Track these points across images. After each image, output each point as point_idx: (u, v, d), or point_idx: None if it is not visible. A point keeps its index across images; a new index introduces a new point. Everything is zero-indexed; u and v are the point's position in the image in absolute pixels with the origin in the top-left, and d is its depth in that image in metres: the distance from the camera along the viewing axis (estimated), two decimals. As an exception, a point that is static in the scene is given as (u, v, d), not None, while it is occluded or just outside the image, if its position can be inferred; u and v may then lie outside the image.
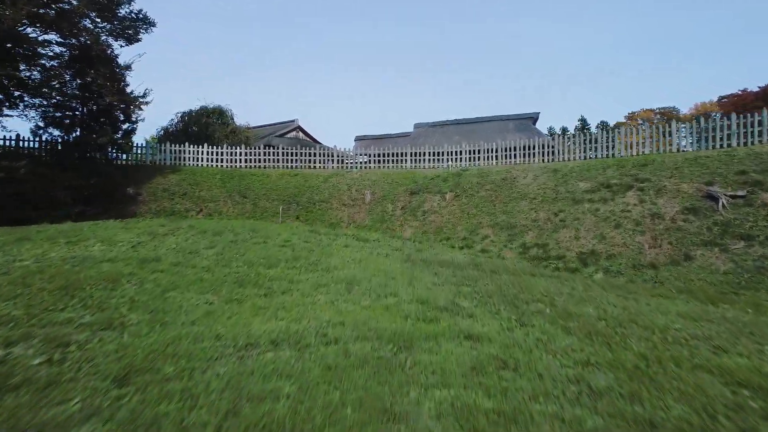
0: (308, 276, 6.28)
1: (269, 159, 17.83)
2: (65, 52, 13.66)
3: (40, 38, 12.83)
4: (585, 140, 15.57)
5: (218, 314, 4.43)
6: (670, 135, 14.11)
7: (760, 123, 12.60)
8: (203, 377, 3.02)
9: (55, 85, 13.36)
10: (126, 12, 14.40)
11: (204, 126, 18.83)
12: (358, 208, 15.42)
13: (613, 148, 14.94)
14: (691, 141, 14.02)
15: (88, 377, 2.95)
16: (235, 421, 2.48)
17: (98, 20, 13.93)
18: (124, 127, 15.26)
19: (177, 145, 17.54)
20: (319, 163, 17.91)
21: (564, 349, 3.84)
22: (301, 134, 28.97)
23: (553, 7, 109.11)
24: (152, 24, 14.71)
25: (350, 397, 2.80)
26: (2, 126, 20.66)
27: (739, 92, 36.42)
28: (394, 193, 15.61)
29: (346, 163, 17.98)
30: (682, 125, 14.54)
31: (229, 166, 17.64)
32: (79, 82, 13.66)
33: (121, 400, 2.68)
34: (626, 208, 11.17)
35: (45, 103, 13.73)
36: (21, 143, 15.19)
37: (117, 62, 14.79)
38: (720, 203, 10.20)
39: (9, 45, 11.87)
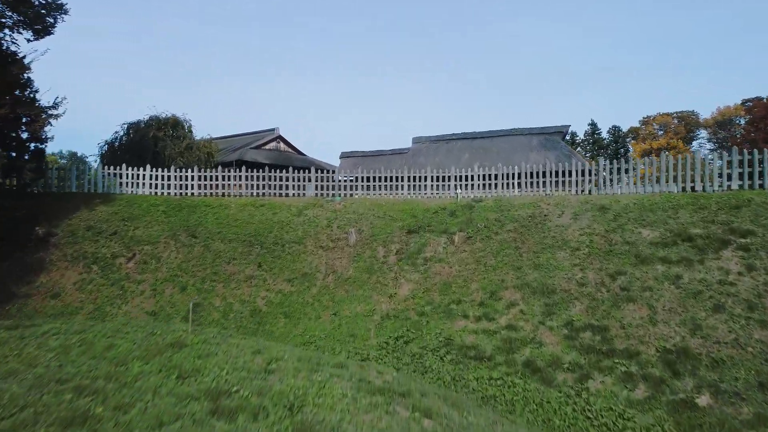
0: None
1: (230, 184, 14.18)
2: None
3: None
4: (647, 165, 11.72)
5: None
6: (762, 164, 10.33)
7: None
8: None
9: None
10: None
11: (152, 141, 15.17)
12: (339, 252, 11.83)
13: (684, 180, 11.14)
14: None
15: None
16: None
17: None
18: (33, 146, 11.58)
19: (111, 168, 13.86)
20: (293, 189, 14.26)
21: None
22: (282, 145, 25.37)
23: (552, 7, 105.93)
24: (65, 11, 11.05)
25: None
26: None
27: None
28: (386, 231, 12.04)
29: (328, 190, 14.38)
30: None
31: (177, 194, 13.97)
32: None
33: None
34: (726, 277, 7.62)
35: None
36: None
37: (20, 61, 11.12)
38: None
39: None
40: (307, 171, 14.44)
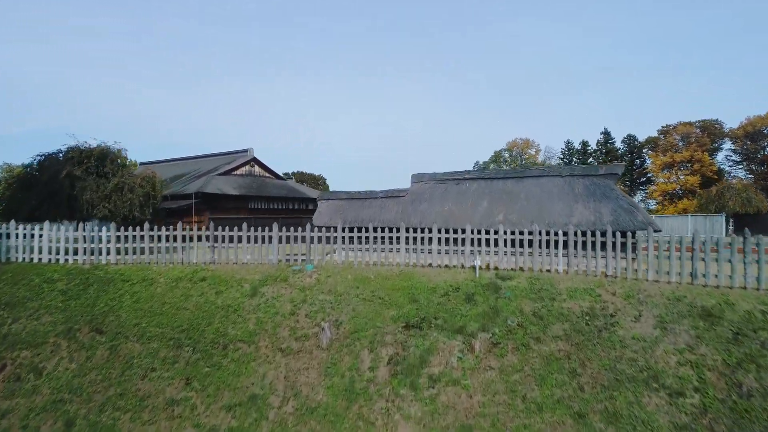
0: None
1: (160, 247, 10.32)
2: None
3: None
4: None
5: None
6: None
7: None
8: None
9: None
10: None
11: (67, 181, 11.38)
12: (306, 359, 8.15)
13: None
14: None
15: None
16: None
17: None
18: None
19: (-6, 225, 10.06)
20: (250, 254, 10.39)
21: None
22: (256, 168, 21.67)
23: (552, 7, 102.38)
24: None
25: None
26: None
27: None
28: (375, 324, 8.40)
29: (296, 253, 10.63)
30: None
31: (88, 261, 10.17)
32: None
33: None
34: None
35: None
36: None
37: None
38: None
39: None
40: (268, 228, 10.65)
